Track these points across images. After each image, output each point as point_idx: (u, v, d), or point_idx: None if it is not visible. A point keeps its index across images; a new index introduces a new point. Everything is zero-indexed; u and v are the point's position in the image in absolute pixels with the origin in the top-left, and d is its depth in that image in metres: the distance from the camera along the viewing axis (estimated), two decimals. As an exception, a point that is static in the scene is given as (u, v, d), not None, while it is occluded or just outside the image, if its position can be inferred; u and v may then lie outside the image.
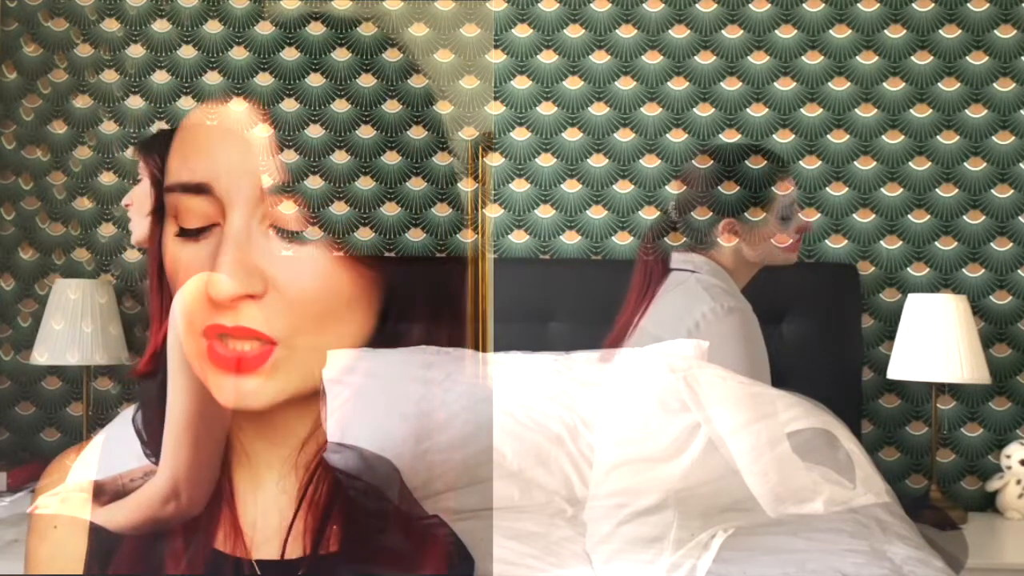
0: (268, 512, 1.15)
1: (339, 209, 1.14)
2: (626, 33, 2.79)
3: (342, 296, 1.11)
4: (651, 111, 2.78)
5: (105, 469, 1.24)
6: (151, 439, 1.18)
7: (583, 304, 2.59)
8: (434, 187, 1.21)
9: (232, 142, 1.11)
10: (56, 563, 1.14)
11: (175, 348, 1.10)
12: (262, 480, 1.16)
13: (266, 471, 1.16)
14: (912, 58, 2.75)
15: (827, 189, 2.75)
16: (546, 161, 2.79)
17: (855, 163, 2.75)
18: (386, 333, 1.16)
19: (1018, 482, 2.58)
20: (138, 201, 2.25)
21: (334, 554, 1.15)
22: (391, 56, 1.28)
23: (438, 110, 1.27)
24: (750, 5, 2.78)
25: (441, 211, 1.23)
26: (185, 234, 1.11)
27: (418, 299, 1.19)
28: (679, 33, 2.78)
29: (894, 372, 2.54)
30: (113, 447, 1.37)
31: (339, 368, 1.18)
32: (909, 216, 2.74)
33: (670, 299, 2.12)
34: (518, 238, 2.79)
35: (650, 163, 2.78)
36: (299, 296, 1.09)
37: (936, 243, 2.74)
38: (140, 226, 2.26)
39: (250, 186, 1.09)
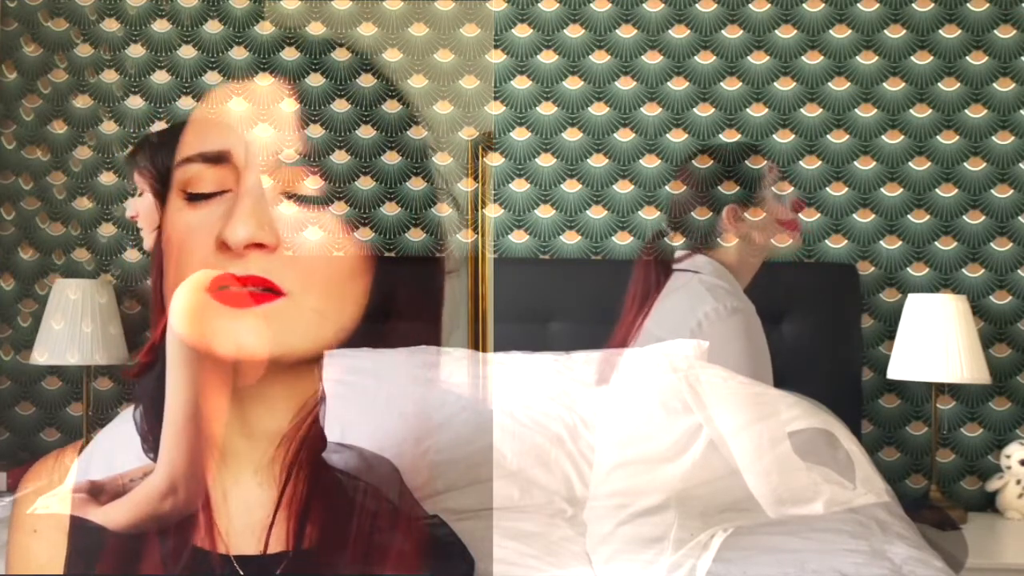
0: (245, 508, 1.15)
1: (339, 209, 1.14)
2: (626, 33, 2.79)
3: (346, 264, 1.14)
4: (651, 111, 2.78)
5: (105, 469, 1.24)
6: (150, 436, 1.19)
7: (583, 304, 2.59)
8: (409, 161, 1.23)
9: (249, 114, 1.15)
10: (35, 565, 1.14)
11: (174, 343, 1.11)
12: (238, 476, 1.16)
13: (245, 467, 1.16)
14: (912, 58, 2.75)
15: (827, 189, 2.75)
16: (546, 161, 2.79)
17: (855, 163, 2.75)
18: (371, 330, 1.17)
19: (1018, 482, 2.58)
20: (146, 214, 2.26)
21: (313, 550, 1.15)
22: (391, 56, 1.28)
23: (438, 110, 1.29)
24: (750, 5, 2.78)
25: (441, 211, 1.23)
26: (194, 199, 1.14)
27: (399, 298, 1.21)
28: (679, 33, 2.78)
29: (894, 372, 2.54)
30: (113, 447, 1.37)
31: (340, 368, 1.18)
32: (909, 216, 2.74)
33: (673, 300, 2.12)
34: (518, 238, 2.79)
35: (650, 163, 2.78)
36: (308, 257, 1.12)
37: (936, 243, 2.74)
38: (151, 236, 2.27)
39: (267, 154, 1.12)
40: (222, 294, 1.09)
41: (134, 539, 1.13)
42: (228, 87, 1.19)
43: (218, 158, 1.13)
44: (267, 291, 1.10)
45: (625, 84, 2.79)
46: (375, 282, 1.17)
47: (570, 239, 2.78)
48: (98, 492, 1.16)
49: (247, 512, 1.15)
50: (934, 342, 2.46)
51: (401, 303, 1.20)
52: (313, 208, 1.13)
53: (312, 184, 1.13)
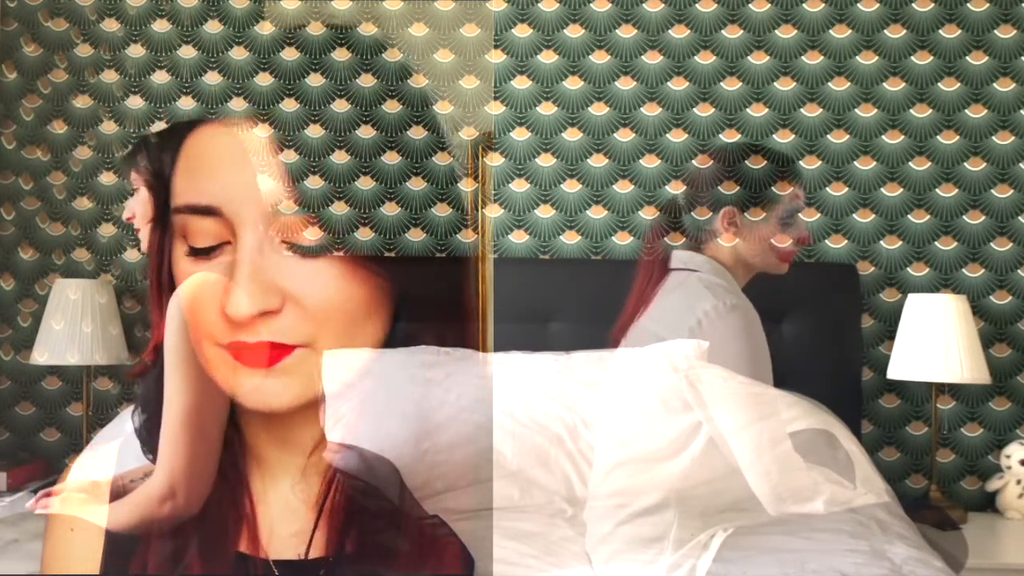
0: (283, 515, 1.16)
1: (339, 209, 1.14)
2: (626, 33, 2.79)
3: (360, 303, 1.13)
4: (651, 111, 2.78)
5: (105, 469, 1.24)
6: (150, 438, 1.19)
7: (583, 304, 2.59)
8: (434, 187, 1.22)
9: (240, 164, 1.12)
10: (72, 565, 1.14)
11: (172, 347, 1.11)
12: (277, 484, 1.17)
13: (281, 475, 1.17)
14: (912, 58, 2.75)
15: (827, 189, 2.75)
16: (546, 161, 2.79)
17: (855, 163, 2.75)
18: (396, 334, 1.17)
19: (1018, 482, 2.58)
20: (140, 208, 2.26)
21: (349, 555, 1.16)
22: (391, 56, 1.28)
23: (438, 110, 1.28)
24: (750, 5, 2.78)
25: (441, 211, 1.23)
26: (196, 253, 1.13)
27: (427, 299, 1.20)
28: (679, 33, 2.78)
29: (894, 372, 2.54)
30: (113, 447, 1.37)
31: (353, 371, 1.18)
32: (909, 216, 2.74)
33: (672, 298, 2.12)
34: (518, 238, 2.79)
35: (650, 163, 2.77)
36: (317, 307, 1.11)
37: (936, 243, 2.74)
38: (147, 230, 2.27)
39: (260, 205, 1.10)
40: (237, 354, 1.09)
41: (172, 541, 1.14)
42: (212, 127, 1.16)
43: (208, 211, 1.11)
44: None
45: (625, 84, 2.79)
46: (400, 293, 1.16)
47: (570, 239, 2.78)
48: (98, 492, 1.17)
49: (285, 518, 1.16)
50: (934, 342, 2.46)
51: (435, 304, 1.20)
52: (313, 257, 1.11)
53: (311, 235, 1.11)
